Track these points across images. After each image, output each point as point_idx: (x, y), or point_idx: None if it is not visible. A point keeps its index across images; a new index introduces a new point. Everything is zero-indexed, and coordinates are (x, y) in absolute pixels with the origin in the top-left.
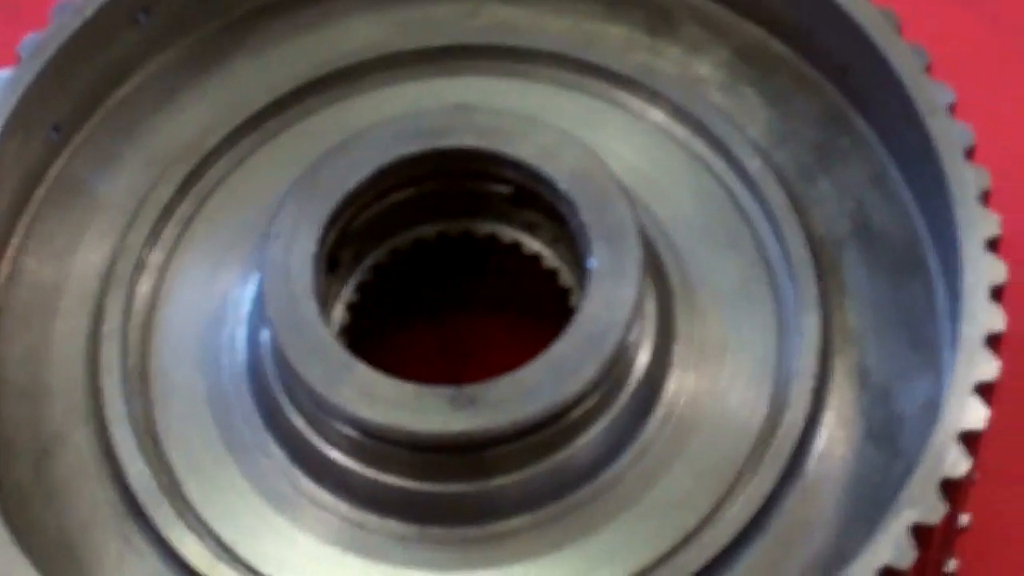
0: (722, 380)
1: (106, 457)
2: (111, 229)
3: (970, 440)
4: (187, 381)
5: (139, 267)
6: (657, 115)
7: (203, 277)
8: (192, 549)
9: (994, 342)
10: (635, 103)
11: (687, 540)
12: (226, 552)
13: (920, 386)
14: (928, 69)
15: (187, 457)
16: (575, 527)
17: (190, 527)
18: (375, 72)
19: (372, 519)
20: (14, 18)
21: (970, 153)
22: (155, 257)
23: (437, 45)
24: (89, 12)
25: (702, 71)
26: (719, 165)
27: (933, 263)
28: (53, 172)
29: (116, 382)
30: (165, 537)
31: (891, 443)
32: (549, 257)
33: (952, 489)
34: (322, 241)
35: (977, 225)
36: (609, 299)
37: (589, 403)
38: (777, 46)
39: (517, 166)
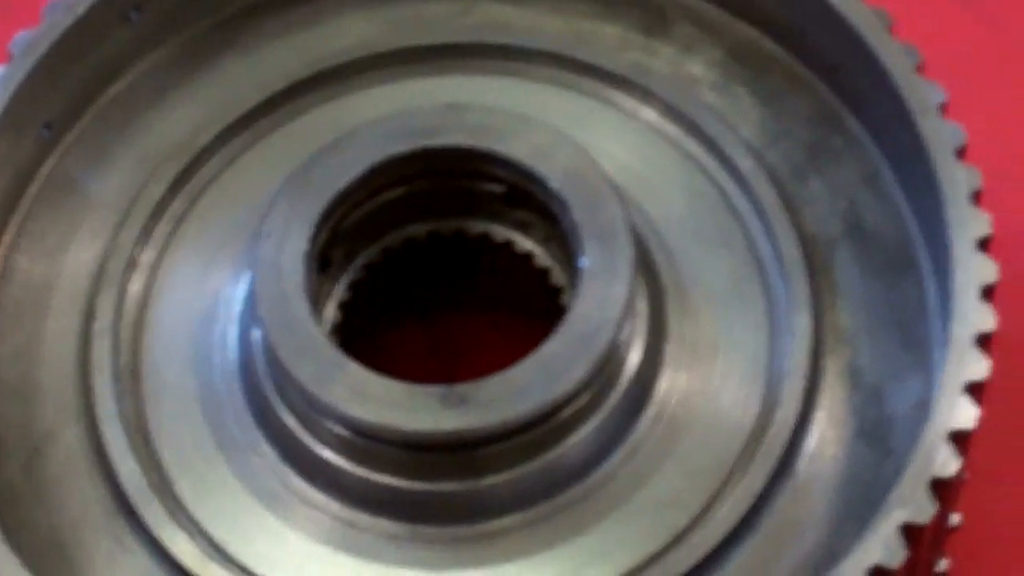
0: (714, 379)
1: (97, 456)
2: (103, 227)
3: (960, 440)
4: (178, 380)
5: (131, 265)
6: (650, 114)
7: (195, 276)
8: (183, 548)
9: (985, 342)
10: (628, 102)
11: (678, 539)
12: (217, 551)
13: (912, 386)
14: (920, 69)
15: (178, 456)
16: (566, 526)
17: (181, 526)
18: (367, 71)
19: (363, 518)
20: (6, 16)
21: (961, 153)
22: (147, 255)
23: (429, 44)
24: (81, 10)
25: (695, 70)
26: (711, 164)
27: (925, 263)
28: (45, 170)
29: (107, 381)
30: (156, 536)
31: (882, 443)
32: (541, 256)
33: (942, 489)
34: (313, 240)
35: (968, 225)
36: (600, 298)
37: (580, 402)
38: (770, 46)
39: (509, 165)
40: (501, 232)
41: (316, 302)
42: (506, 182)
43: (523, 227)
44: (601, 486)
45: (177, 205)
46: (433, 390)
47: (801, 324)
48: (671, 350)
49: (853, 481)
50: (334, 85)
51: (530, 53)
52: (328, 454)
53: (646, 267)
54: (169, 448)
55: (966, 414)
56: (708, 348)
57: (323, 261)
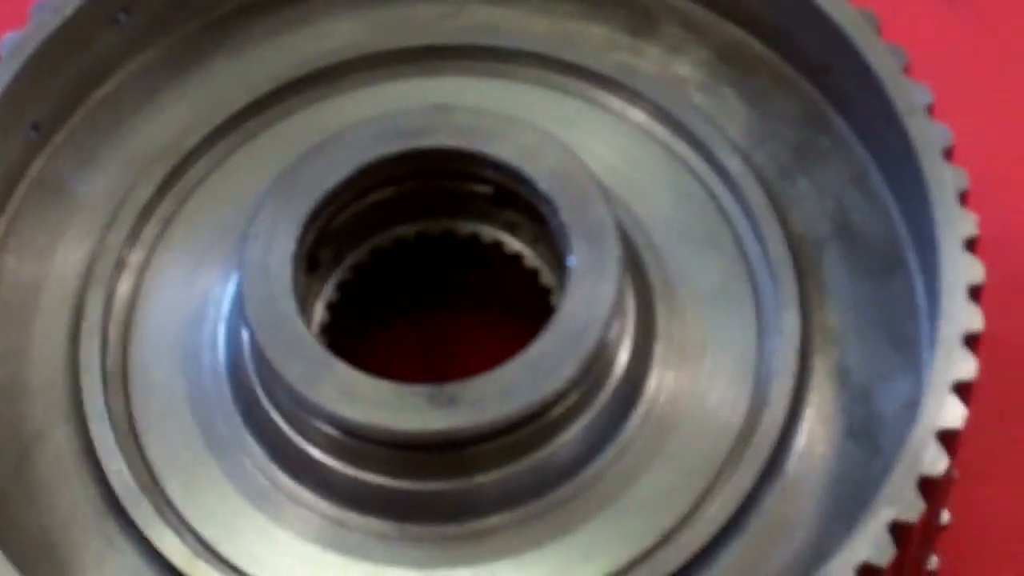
0: (702, 379)
1: (86, 456)
2: (91, 228)
3: (948, 439)
4: (167, 380)
5: (119, 266)
6: (637, 115)
7: (183, 276)
8: (172, 547)
9: (972, 342)
10: (615, 103)
11: (667, 538)
12: (206, 550)
13: (900, 385)
14: (907, 69)
15: (167, 455)
16: (555, 525)
17: (170, 525)
18: (355, 72)
19: (352, 517)
20: None
21: (948, 153)
22: (135, 256)
23: (417, 45)
24: (68, 11)
25: (682, 71)
26: (699, 165)
27: (913, 263)
28: (33, 171)
29: (96, 381)
30: (145, 535)
31: (871, 441)
32: (530, 257)
33: (930, 487)
34: (301, 240)
35: (955, 225)
36: (589, 297)
37: (569, 401)
38: (757, 46)
39: (497, 166)
40: (490, 233)
41: (304, 302)
42: (494, 183)
43: (512, 228)
44: (590, 485)
45: (165, 206)
46: (421, 390)
47: (789, 324)
48: (660, 349)
49: (842, 480)
50: (322, 86)
51: (517, 54)
52: (317, 453)
53: (634, 267)
54: (158, 448)
55: (954, 413)
56: (696, 347)
57: (311, 262)
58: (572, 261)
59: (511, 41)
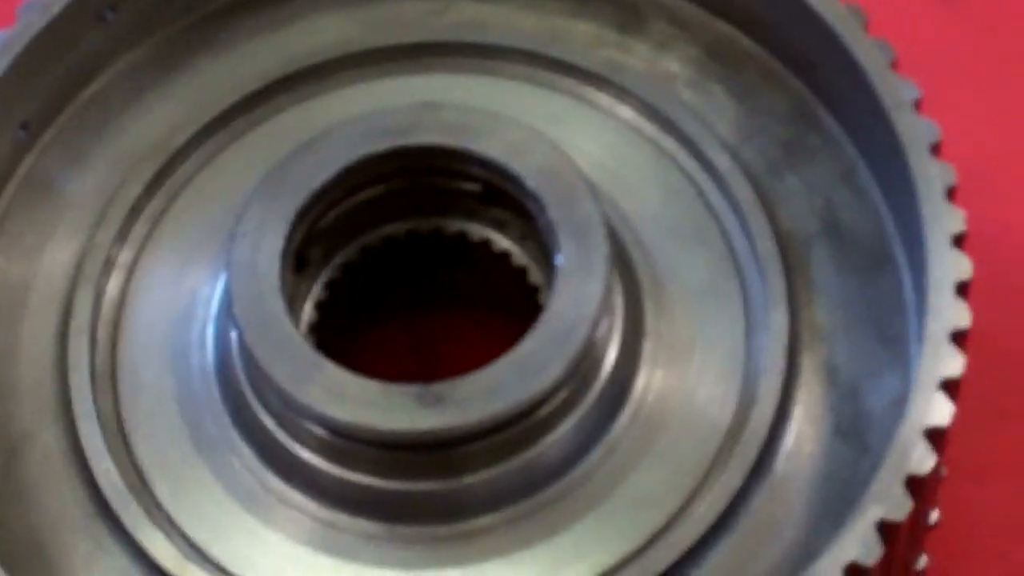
0: (690, 377)
1: (75, 456)
2: (79, 227)
3: (935, 436)
4: (156, 380)
5: (108, 265)
6: (625, 112)
7: (172, 276)
8: (161, 549)
9: (959, 338)
10: (603, 100)
11: (656, 538)
12: (196, 552)
13: (889, 382)
14: (894, 65)
15: (156, 456)
16: (544, 525)
17: (159, 527)
18: (343, 70)
19: (342, 518)
20: None
21: (936, 149)
22: (124, 256)
23: (405, 43)
24: (56, 10)
25: (671, 68)
26: (687, 162)
27: (901, 259)
28: (21, 170)
29: (85, 381)
30: (134, 537)
31: (860, 439)
32: (518, 255)
33: (918, 485)
34: (289, 239)
35: (943, 221)
36: (576, 295)
37: (557, 400)
38: (745, 43)
39: (485, 163)
40: (478, 231)
41: (293, 302)
42: (482, 180)
43: (500, 225)
44: (579, 485)
45: (154, 205)
46: (409, 389)
47: (777, 321)
48: (648, 347)
49: (830, 478)
50: (310, 84)
51: (505, 51)
52: (306, 454)
53: (622, 264)
54: (147, 448)
55: (941, 411)
56: (685, 345)
57: (300, 261)
58: (560, 259)
59: (498, 38)
